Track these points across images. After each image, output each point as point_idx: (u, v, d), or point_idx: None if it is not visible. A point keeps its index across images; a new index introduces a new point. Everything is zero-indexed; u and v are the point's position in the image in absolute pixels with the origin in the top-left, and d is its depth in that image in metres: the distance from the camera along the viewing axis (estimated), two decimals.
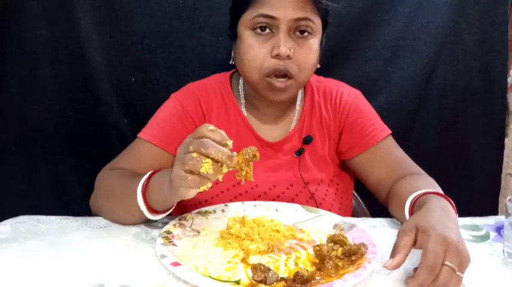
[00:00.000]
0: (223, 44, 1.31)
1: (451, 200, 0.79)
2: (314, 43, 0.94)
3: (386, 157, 1.01)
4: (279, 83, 0.92)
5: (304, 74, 0.94)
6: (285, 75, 0.92)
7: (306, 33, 0.92)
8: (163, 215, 0.83)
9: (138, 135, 1.00)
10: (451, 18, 1.38)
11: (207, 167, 0.66)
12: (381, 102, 1.38)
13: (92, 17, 1.27)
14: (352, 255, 0.70)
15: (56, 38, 1.26)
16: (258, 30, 0.91)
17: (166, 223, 0.83)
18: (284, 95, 0.95)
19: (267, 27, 0.91)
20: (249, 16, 0.91)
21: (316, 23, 0.93)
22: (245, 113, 1.05)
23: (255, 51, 0.91)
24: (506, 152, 1.51)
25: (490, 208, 1.50)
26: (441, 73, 1.42)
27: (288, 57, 0.90)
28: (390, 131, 1.04)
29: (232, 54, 1.00)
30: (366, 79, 1.39)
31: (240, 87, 1.06)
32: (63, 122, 1.33)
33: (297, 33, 0.92)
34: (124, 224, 0.87)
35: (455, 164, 1.49)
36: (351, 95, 1.06)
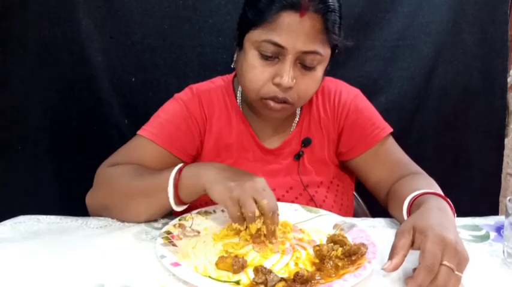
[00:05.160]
0: (223, 44, 1.31)
1: (449, 200, 0.79)
2: (318, 72, 0.91)
3: (386, 157, 1.01)
4: (276, 105, 0.90)
5: (302, 101, 0.94)
6: (283, 101, 0.90)
7: (311, 67, 0.89)
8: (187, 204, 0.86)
9: (138, 132, 0.98)
10: (451, 18, 1.38)
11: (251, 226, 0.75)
12: (381, 102, 1.38)
13: (93, 17, 1.27)
14: (352, 255, 0.71)
15: (57, 39, 1.27)
16: (264, 54, 0.87)
17: (166, 223, 0.83)
18: (279, 114, 0.94)
19: (273, 53, 0.87)
20: (257, 36, 0.87)
21: (324, 54, 0.89)
22: (247, 118, 1.03)
23: (256, 73, 0.88)
24: (506, 152, 1.51)
25: (490, 208, 1.50)
26: (441, 73, 1.42)
27: (290, 88, 0.88)
28: (391, 130, 1.02)
29: (235, 58, 0.97)
30: (366, 79, 1.39)
31: (239, 93, 1.04)
32: (66, 122, 1.34)
33: (303, 64, 0.88)
34: (136, 222, 0.87)
35: (455, 164, 1.49)
36: (350, 95, 1.04)
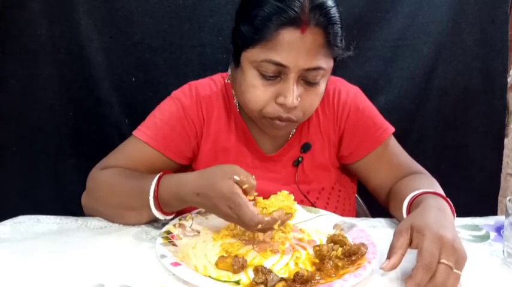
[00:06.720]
0: (223, 44, 1.31)
1: (448, 200, 0.79)
2: (322, 85, 0.88)
3: (389, 159, 0.99)
4: (280, 123, 0.87)
5: (307, 116, 0.91)
6: (287, 120, 0.87)
7: (315, 82, 0.85)
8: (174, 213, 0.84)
9: (133, 133, 0.96)
10: (451, 18, 1.38)
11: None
12: (381, 102, 1.38)
13: (92, 17, 1.27)
14: (352, 255, 0.71)
15: (56, 38, 1.27)
16: (264, 74, 0.83)
17: (166, 223, 0.83)
18: (282, 132, 0.93)
19: (274, 73, 0.82)
20: (256, 56, 0.82)
21: (327, 68, 0.85)
22: (246, 122, 0.99)
23: (258, 93, 0.84)
24: (506, 152, 1.51)
25: (490, 208, 1.50)
26: (441, 73, 1.42)
27: (294, 107, 0.84)
28: (393, 129, 1.01)
29: (229, 72, 0.93)
30: (366, 79, 1.39)
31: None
32: (63, 122, 1.34)
33: (306, 81, 0.85)
34: (125, 224, 0.87)
35: (455, 164, 1.49)
36: (350, 94, 1.01)
